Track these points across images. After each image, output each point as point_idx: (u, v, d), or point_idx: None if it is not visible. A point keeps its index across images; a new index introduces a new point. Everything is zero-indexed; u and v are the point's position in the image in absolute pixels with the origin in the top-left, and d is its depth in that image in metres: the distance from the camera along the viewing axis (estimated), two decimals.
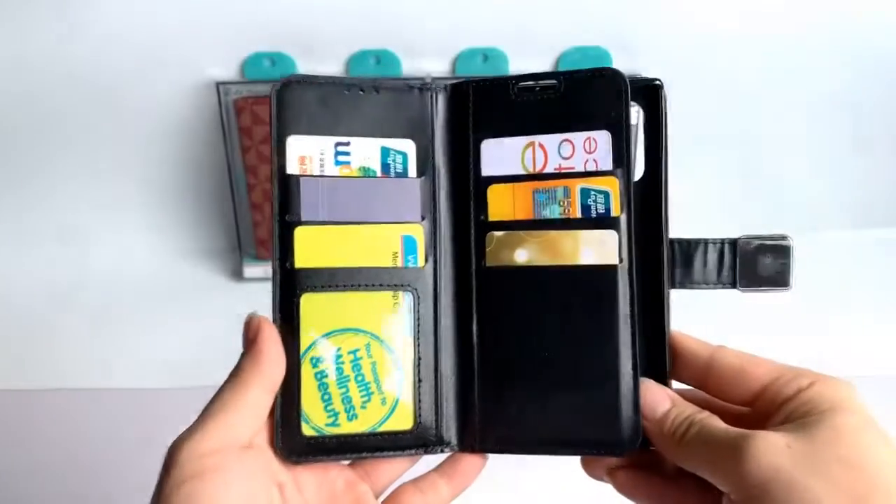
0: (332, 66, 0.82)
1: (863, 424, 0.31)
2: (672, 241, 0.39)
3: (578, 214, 0.38)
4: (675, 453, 0.34)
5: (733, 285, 0.39)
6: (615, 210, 0.38)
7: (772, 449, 0.29)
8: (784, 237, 0.38)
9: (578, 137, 0.38)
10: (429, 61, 0.81)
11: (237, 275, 0.88)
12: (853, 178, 0.90)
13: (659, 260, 0.38)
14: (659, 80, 0.38)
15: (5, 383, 0.75)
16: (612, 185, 0.37)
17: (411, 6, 0.79)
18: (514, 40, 0.81)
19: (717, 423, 0.33)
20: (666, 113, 0.38)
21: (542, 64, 0.81)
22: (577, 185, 0.38)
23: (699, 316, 0.80)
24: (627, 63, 0.81)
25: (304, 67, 0.82)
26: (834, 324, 0.79)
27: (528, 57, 0.81)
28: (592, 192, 0.38)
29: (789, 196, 0.90)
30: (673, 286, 0.39)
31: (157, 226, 0.91)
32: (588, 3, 0.79)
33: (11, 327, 0.82)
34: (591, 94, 0.38)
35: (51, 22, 0.79)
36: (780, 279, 0.38)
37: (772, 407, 0.33)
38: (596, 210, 0.38)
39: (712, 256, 0.39)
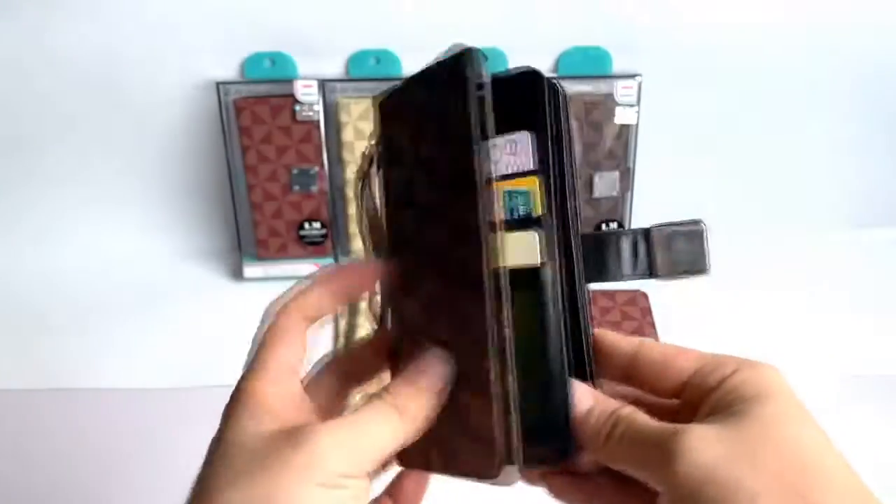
0: (332, 66, 0.82)
1: (789, 410, 0.30)
2: (585, 237, 0.38)
3: (504, 217, 0.37)
4: (603, 454, 0.33)
5: (651, 275, 0.38)
6: (536, 210, 0.37)
7: (702, 445, 0.29)
8: (697, 222, 0.37)
9: (501, 140, 0.38)
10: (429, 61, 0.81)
11: (237, 275, 0.88)
12: (853, 178, 0.90)
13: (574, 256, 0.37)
14: (556, 82, 0.37)
15: (3, 383, 0.75)
16: (533, 186, 0.37)
17: (411, 6, 0.79)
18: (514, 40, 0.81)
19: (643, 419, 0.32)
20: (566, 109, 0.37)
21: (542, 64, 0.82)
22: (503, 188, 0.38)
23: (683, 312, 0.80)
24: (627, 63, 0.81)
25: (305, 67, 0.82)
26: (834, 323, 0.79)
27: (528, 57, 0.81)
28: (514, 194, 0.38)
29: (789, 196, 0.91)
30: (590, 281, 0.38)
31: (157, 226, 0.91)
32: (588, 3, 0.79)
33: (10, 327, 0.82)
34: (512, 96, 0.37)
35: (51, 23, 0.79)
36: (696, 264, 0.37)
37: (697, 398, 0.32)
38: (518, 212, 0.37)
39: (626, 248, 0.38)
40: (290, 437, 0.30)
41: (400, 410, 0.32)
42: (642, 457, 0.31)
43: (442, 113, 0.34)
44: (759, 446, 0.29)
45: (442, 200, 0.34)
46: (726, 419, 0.30)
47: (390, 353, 0.37)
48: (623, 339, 0.36)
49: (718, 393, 0.31)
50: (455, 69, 0.33)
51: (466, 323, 0.34)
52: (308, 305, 0.35)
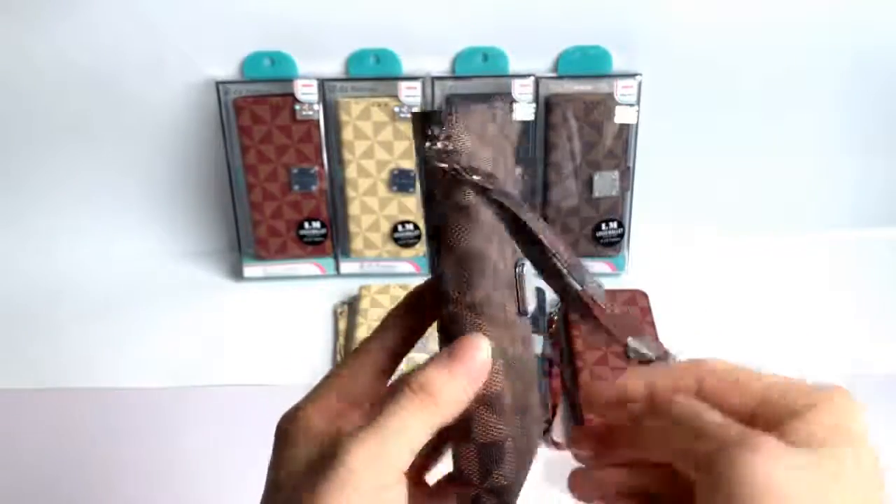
0: (332, 66, 0.82)
1: (865, 455, 0.29)
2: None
3: None
4: (646, 423, 0.31)
5: None
6: None
7: (777, 463, 0.28)
8: None
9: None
10: (429, 61, 0.81)
11: (237, 275, 0.88)
12: (853, 178, 0.90)
13: None
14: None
15: (2, 383, 0.75)
16: None
17: (411, 6, 0.79)
18: (514, 40, 0.81)
19: (706, 407, 0.30)
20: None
21: (543, 64, 0.81)
22: None
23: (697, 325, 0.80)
24: (627, 63, 0.81)
25: (304, 67, 0.82)
26: (834, 323, 0.79)
27: (528, 57, 0.81)
28: None
29: (789, 195, 0.91)
30: None
31: (157, 225, 0.91)
32: (588, 3, 0.79)
33: (10, 326, 0.82)
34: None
35: (52, 22, 0.79)
36: None
37: (768, 426, 0.30)
38: None
39: None
40: (324, 457, 0.30)
41: (432, 397, 0.30)
42: (695, 447, 0.29)
43: None
44: (838, 482, 0.28)
45: None
46: (806, 448, 0.28)
47: None
48: (681, 367, 0.32)
49: (792, 425, 0.29)
50: None
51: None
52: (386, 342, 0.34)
